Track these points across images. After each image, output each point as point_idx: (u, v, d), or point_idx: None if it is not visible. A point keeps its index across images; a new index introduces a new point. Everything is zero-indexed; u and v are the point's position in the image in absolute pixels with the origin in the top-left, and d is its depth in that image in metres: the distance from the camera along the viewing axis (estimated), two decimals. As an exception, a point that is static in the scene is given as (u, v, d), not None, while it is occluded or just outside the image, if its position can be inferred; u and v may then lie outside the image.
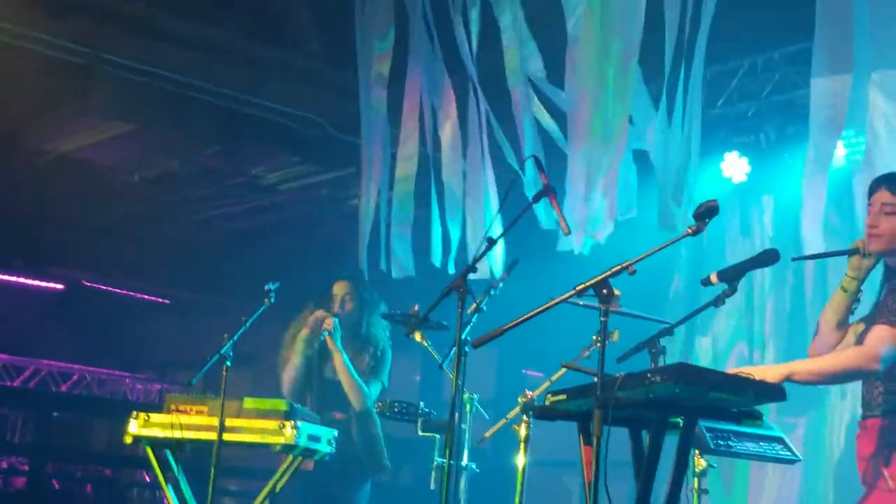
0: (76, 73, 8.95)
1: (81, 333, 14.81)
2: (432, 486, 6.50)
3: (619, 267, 3.96)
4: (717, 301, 4.64)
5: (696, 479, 5.26)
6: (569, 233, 5.07)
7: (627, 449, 4.19)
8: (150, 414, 6.06)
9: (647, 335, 5.31)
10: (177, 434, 5.95)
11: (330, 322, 6.98)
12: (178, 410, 6.01)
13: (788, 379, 4.12)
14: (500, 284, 6.15)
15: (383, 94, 9.03)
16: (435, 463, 6.55)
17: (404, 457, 12.42)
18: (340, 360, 6.98)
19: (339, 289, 7.30)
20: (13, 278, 14.62)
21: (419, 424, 6.70)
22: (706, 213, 4.06)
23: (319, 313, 7.04)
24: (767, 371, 4.11)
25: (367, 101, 9.13)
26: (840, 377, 4.49)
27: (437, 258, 8.86)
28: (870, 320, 4.41)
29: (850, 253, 4.53)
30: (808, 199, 7.02)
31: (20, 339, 14.07)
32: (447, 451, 4.87)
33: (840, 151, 7.92)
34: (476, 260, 5.16)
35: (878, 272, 4.67)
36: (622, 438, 4.09)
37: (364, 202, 9.23)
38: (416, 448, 11.57)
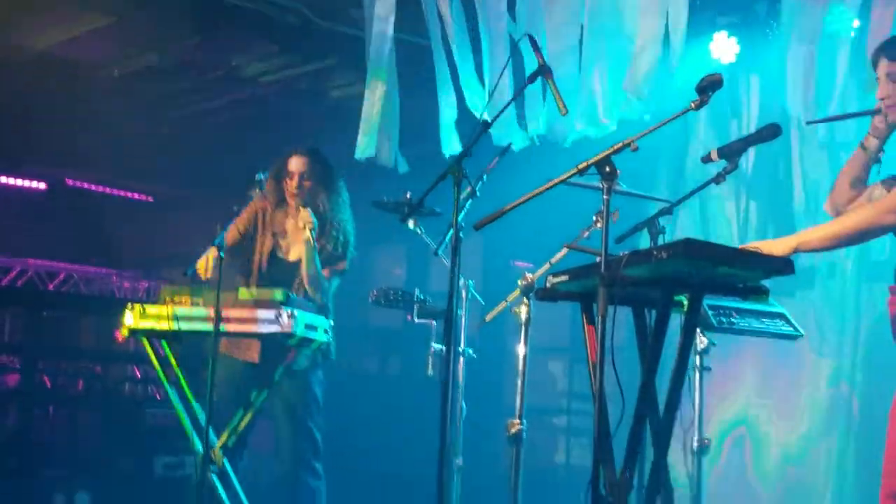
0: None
1: (66, 232, 14.72)
2: (430, 373, 6.50)
3: (621, 144, 3.89)
4: (718, 178, 4.63)
5: (697, 356, 5.26)
6: (566, 113, 4.97)
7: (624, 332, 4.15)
8: (145, 306, 6.02)
9: (639, 216, 5.30)
10: (173, 325, 5.92)
11: (310, 221, 6.51)
12: (173, 302, 5.97)
13: (798, 250, 4.03)
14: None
15: None
16: (432, 349, 6.55)
17: (391, 346, 12.48)
18: (310, 254, 6.54)
19: (296, 164, 6.79)
20: (-5, 179, 14.56)
21: (415, 311, 6.67)
22: (709, 86, 4.01)
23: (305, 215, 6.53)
24: (775, 245, 4.03)
25: None
26: (856, 237, 4.23)
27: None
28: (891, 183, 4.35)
29: (873, 113, 4.49)
30: (792, 72, 6.97)
31: (4, 240, 14.02)
32: (447, 337, 4.86)
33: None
34: (471, 144, 5.10)
35: None
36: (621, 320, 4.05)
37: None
38: (401, 338, 11.66)
